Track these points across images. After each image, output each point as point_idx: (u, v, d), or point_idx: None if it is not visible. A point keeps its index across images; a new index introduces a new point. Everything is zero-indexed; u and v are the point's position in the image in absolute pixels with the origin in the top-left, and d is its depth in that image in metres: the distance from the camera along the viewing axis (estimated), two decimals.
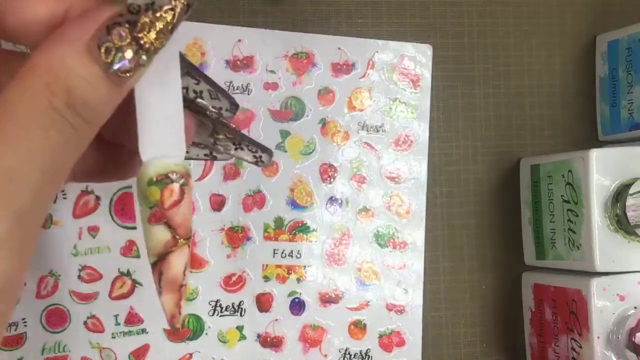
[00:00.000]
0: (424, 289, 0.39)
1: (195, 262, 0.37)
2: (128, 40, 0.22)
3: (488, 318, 0.40)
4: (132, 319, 0.36)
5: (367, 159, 0.38)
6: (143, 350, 0.36)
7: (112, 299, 0.36)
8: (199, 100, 0.27)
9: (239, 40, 0.37)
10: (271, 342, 0.37)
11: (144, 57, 0.22)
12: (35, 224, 0.21)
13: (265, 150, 0.32)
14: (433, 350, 0.39)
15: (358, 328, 0.37)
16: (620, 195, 0.33)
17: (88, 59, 0.21)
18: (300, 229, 0.37)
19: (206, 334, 0.36)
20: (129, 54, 0.22)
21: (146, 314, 0.36)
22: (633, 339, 0.33)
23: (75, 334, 0.35)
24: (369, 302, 0.37)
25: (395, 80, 0.38)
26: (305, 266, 0.37)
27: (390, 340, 0.37)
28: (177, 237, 0.26)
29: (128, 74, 0.22)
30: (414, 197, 0.38)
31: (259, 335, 0.37)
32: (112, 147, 0.25)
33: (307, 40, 0.37)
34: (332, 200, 0.37)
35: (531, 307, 0.39)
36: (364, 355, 0.37)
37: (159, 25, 0.23)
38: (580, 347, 0.34)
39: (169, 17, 0.23)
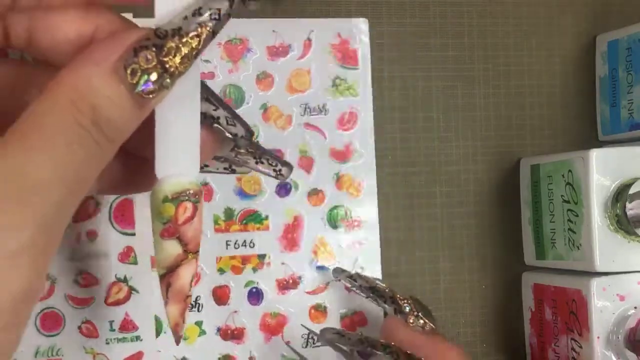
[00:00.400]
0: (424, 289, 0.39)
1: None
2: (154, 64, 0.23)
3: (488, 318, 0.40)
4: (127, 325, 0.36)
5: (313, 140, 0.37)
6: (137, 357, 0.35)
7: (108, 304, 0.36)
8: (215, 125, 0.28)
9: None
10: (232, 335, 0.36)
11: (167, 80, 0.23)
12: (56, 235, 0.22)
13: (286, 164, 0.33)
14: None
15: (319, 311, 0.37)
16: (620, 195, 0.33)
17: (114, 79, 0.22)
18: (251, 217, 0.37)
19: (165, 332, 0.36)
20: (154, 76, 0.23)
21: (141, 321, 0.36)
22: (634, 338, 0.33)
23: (70, 339, 0.35)
24: (327, 284, 0.37)
25: (333, 58, 0.38)
26: (259, 255, 0.37)
27: (352, 321, 0.37)
28: (187, 251, 0.27)
29: (151, 96, 0.23)
30: (365, 174, 0.38)
31: (219, 329, 0.36)
32: (138, 160, 0.25)
33: (240, 25, 0.37)
34: (281, 185, 0.37)
35: (531, 307, 0.39)
36: None
37: (185, 50, 0.23)
38: (580, 347, 0.34)
39: (194, 43, 0.24)
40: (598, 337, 0.34)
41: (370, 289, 0.33)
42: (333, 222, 0.37)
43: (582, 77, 0.41)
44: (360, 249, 0.38)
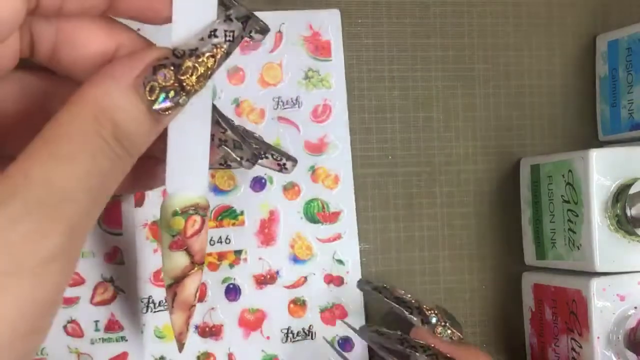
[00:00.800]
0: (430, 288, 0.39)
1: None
2: (172, 82, 0.24)
3: (488, 318, 0.40)
4: (113, 325, 0.35)
5: (287, 134, 0.37)
6: (122, 357, 0.35)
7: (94, 304, 0.35)
8: (222, 148, 0.29)
9: (138, 29, 0.37)
10: (210, 332, 0.36)
11: (184, 98, 0.24)
12: (81, 242, 0.23)
13: (290, 158, 0.34)
14: None
15: (298, 305, 0.37)
16: (620, 195, 0.33)
17: (134, 95, 0.23)
18: (227, 214, 0.37)
19: (142, 332, 0.36)
20: (171, 94, 0.24)
21: (127, 322, 0.35)
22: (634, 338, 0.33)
23: (54, 338, 0.35)
24: (306, 277, 0.37)
25: (305, 50, 0.37)
26: (236, 251, 0.36)
27: (332, 314, 0.37)
28: (194, 262, 0.28)
29: (168, 112, 0.24)
30: (340, 166, 0.38)
31: (197, 327, 0.36)
32: (145, 159, 0.26)
33: None
34: (256, 180, 0.37)
35: (531, 307, 0.39)
36: (307, 332, 0.37)
37: (201, 69, 0.25)
38: (581, 347, 0.34)
39: (209, 63, 0.25)
40: (598, 337, 0.34)
41: (396, 299, 0.33)
42: (310, 215, 0.37)
43: (582, 77, 0.41)
44: (339, 242, 0.37)
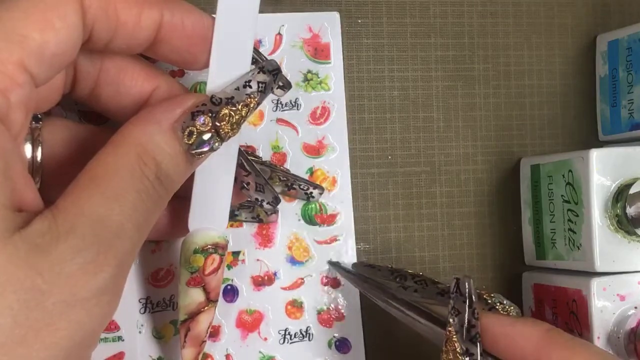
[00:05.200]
0: None
1: None
2: (209, 127, 0.26)
3: None
4: (109, 325, 0.35)
5: (285, 135, 0.37)
6: (118, 357, 0.35)
7: None
8: (244, 190, 0.30)
9: None
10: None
11: (218, 143, 0.26)
12: (126, 276, 0.24)
13: (317, 187, 0.36)
14: (434, 350, 0.39)
15: (295, 307, 0.37)
16: (620, 195, 0.33)
17: (174, 138, 0.25)
18: None
19: (140, 332, 0.35)
20: (207, 138, 0.26)
21: (123, 321, 0.35)
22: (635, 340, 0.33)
23: None
24: (303, 279, 0.37)
25: (305, 53, 0.37)
26: (234, 252, 0.36)
27: (329, 316, 0.37)
28: (209, 299, 0.30)
29: (202, 155, 0.26)
30: (338, 168, 0.37)
31: None
32: (175, 198, 0.27)
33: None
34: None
35: (531, 307, 0.39)
36: (304, 333, 0.37)
37: (235, 117, 0.26)
38: None
39: (244, 112, 0.26)
40: (598, 337, 0.34)
41: (438, 294, 0.32)
42: (307, 217, 0.37)
43: (582, 77, 0.41)
44: (336, 244, 0.37)
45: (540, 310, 0.38)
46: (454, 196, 0.40)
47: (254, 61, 0.28)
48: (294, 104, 0.37)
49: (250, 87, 0.27)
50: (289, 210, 0.37)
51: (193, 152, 0.25)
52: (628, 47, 0.38)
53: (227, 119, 0.26)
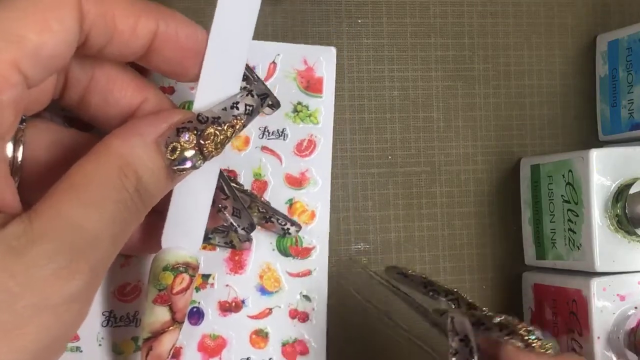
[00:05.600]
0: None
1: None
2: (193, 145, 0.25)
3: None
4: None
5: (269, 164, 0.36)
6: None
7: None
8: (221, 213, 0.30)
9: None
10: None
11: (200, 161, 0.26)
12: (97, 286, 0.24)
13: (294, 223, 0.35)
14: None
15: (260, 337, 0.36)
16: (620, 195, 0.33)
17: (156, 152, 0.25)
18: None
19: (99, 345, 0.34)
20: (190, 155, 0.25)
21: (83, 332, 0.34)
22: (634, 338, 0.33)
23: None
24: (271, 310, 0.36)
25: (297, 84, 0.37)
26: (204, 275, 0.35)
27: (293, 349, 0.36)
28: (174, 320, 0.29)
29: (183, 172, 0.26)
30: (319, 203, 0.37)
31: None
32: (151, 213, 0.27)
33: None
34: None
35: (531, 307, 0.39)
36: None
37: (220, 137, 0.26)
38: (581, 347, 0.34)
39: (229, 132, 0.26)
40: (598, 337, 0.34)
41: (477, 324, 0.29)
42: (282, 248, 0.36)
43: (582, 77, 0.41)
44: (308, 278, 0.37)
45: (540, 310, 0.38)
46: (454, 196, 0.40)
47: (245, 78, 0.28)
48: (280, 133, 0.37)
49: (238, 108, 0.27)
50: (264, 239, 0.36)
51: (175, 168, 0.25)
52: (628, 47, 0.38)
53: (211, 138, 0.26)
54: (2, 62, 0.21)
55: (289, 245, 0.36)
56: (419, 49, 0.39)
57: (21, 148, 0.26)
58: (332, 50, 0.37)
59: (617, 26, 0.40)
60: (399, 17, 0.39)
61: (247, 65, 0.28)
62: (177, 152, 0.25)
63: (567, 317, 0.35)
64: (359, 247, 0.38)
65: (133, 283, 0.35)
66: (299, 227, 0.35)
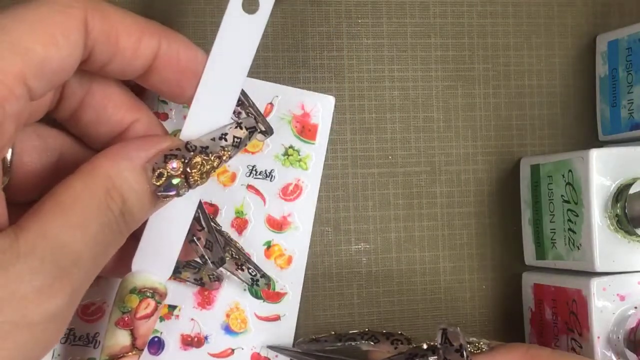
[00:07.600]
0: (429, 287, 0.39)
1: None
2: (179, 172, 0.26)
3: (488, 318, 0.40)
4: None
5: (252, 203, 0.36)
6: None
7: None
8: (193, 244, 0.30)
9: None
10: None
11: (185, 189, 0.26)
12: (77, 305, 0.24)
13: (264, 275, 0.34)
14: None
15: None
16: (620, 195, 0.33)
17: (143, 176, 0.25)
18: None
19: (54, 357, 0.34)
20: (176, 183, 0.26)
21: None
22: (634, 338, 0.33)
23: None
24: (233, 350, 0.36)
25: (292, 128, 0.36)
26: (170, 305, 0.35)
27: None
28: (135, 345, 0.28)
29: (167, 198, 0.26)
30: (297, 249, 0.37)
31: None
32: (130, 240, 0.27)
33: None
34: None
35: (531, 307, 0.39)
36: None
37: (207, 167, 0.26)
38: (581, 347, 0.34)
39: (215, 163, 0.27)
40: (598, 337, 0.34)
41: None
42: (253, 289, 0.36)
43: (582, 77, 0.41)
44: (275, 323, 0.36)
45: (540, 310, 0.38)
46: (454, 196, 0.40)
47: (240, 103, 0.28)
48: (268, 174, 0.36)
49: (226, 140, 0.27)
50: (236, 278, 0.36)
51: (159, 193, 0.25)
52: (628, 47, 0.38)
53: (198, 167, 0.26)
54: (8, 74, 0.21)
55: (262, 288, 0.36)
56: (419, 49, 0.39)
57: (10, 151, 0.26)
58: (331, 99, 0.37)
59: (617, 26, 0.40)
60: (399, 17, 0.39)
61: (242, 90, 0.28)
62: (163, 178, 0.25)
63: (567, 317, 0.35)
64: (359, 247, 0.38)
65: (98, 303, 0.34)
66: (269, 279, 0.34)
